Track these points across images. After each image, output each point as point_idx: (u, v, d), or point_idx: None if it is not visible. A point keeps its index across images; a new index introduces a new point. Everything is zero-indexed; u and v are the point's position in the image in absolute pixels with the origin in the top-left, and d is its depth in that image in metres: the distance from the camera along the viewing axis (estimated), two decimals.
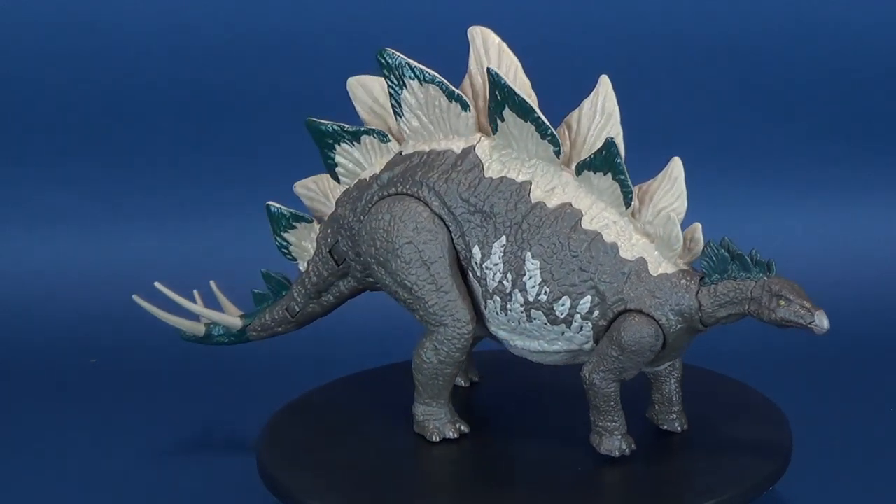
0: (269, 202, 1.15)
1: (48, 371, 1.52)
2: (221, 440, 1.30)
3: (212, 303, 1.22)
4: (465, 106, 1.03)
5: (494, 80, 1.00)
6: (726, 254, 0.98)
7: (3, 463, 1.28)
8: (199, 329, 1.22)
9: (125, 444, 1.31)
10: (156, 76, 1.75)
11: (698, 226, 1.00)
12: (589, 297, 0.99)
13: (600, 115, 1.02)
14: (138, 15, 1.74)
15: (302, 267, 1.16)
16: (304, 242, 1.15)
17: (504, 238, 1.01)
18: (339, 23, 1.75)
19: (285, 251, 1.17)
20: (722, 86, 1.78)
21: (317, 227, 1.14)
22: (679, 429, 1.07)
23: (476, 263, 1.03)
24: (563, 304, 0.99)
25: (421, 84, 1.03)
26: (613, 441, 1.01)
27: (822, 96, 1.77)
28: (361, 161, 1.10)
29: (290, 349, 1.54)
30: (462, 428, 1.07)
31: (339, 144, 1.10)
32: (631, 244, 0.99)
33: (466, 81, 1.05)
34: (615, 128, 1.02)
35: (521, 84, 1.03)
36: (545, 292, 1.00)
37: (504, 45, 1.04)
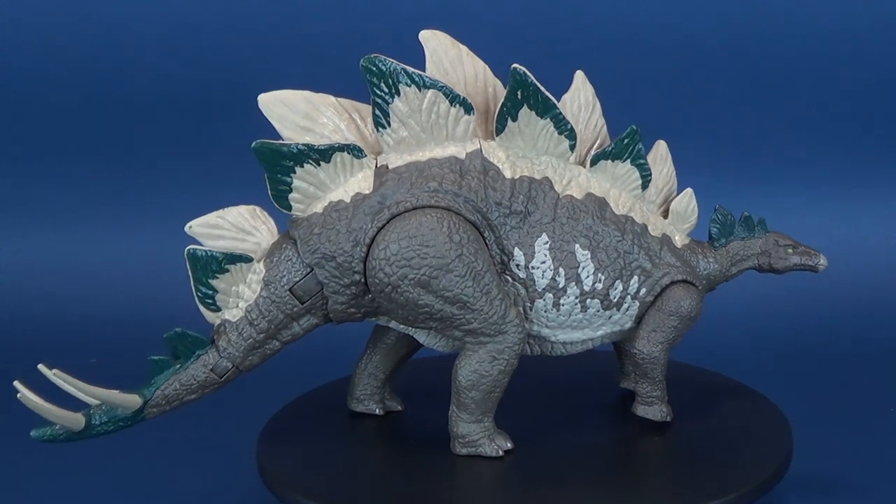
0: (191, 246, 1.00)
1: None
2: (221, 440, 1.30)
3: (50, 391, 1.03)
4: (468, 109, 0.99)
5: (521, 80, 0.99)
6: (731, 217, 1.13)
7: (2, 463, 1.28)
8: (76, 421, 1.03)
9: (125, 444, 1.30)
10: (156, 76, 1.75)
11: (692, 193, 1.12)
12: (636, 278, 1.06)
13: (584, 108, 1.06)
14: (139, 15, 1.75)
15: (232, 315, 1.02)
16: (237, 287, 1.01)
17: (545, 235, 1.01)
18: (340, 23, 1.75)
19: (209, 301, 1.02)
20: (722, 85, 1.78)
21: (259, 266, 1.01)
22: None
23: (519, 266, 1.01)
24: (616, 289, 1.05)
25: (419, 90, 0.98)
26: (663, 408, 1.10)
27: (823, 96, 1.77)
28: (326, 182, 1.00)
29: (291, 349, 1.54)
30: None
31: (302, 166, 0.99)
32: (653, 223, 1.08)
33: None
34: (600, 119, 1.06)
35: (490, 84, 1.02)
36: (600, 280, 1.04)
37: (465, 48, 1.01)
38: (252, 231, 1.02)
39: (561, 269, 1.02)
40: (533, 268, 1.01)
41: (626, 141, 1.05)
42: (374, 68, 0.97)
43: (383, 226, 0.98)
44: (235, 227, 1.01)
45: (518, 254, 1.01)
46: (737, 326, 1.59)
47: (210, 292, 1.01)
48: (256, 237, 1.02)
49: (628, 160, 1.06)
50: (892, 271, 1.70)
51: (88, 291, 1.68)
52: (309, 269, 1.00)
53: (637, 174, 1.07)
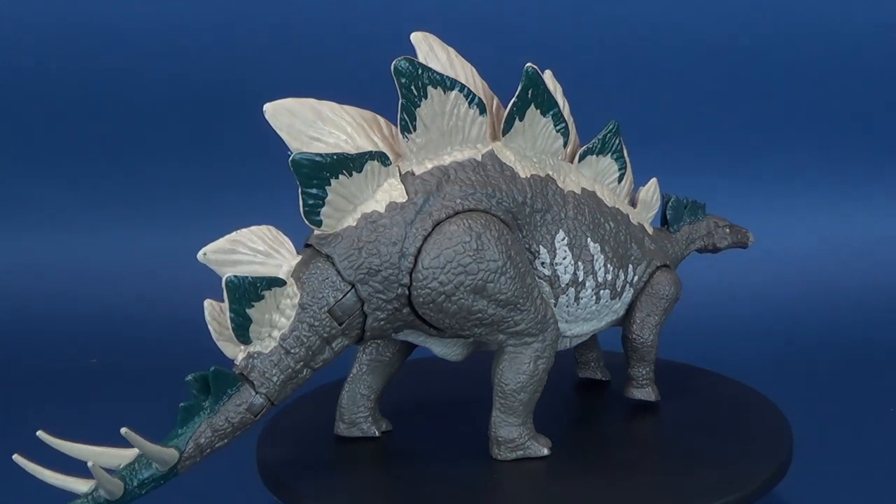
0: (230, 274, 0.90)
1: (48, 371, 1.52)
2: None
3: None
4: (483, 110, 0.98)
5: (534, 78, 1.00)
6: (681, 203, 1.20)
7: (2, 463, 1.28)
8: (115, 487, 0.94)
9: (125, 444, 1.30)
10: (157, 77, 1.75)
11: (657, 182, 1.15)
12: (632, 266, 1.09)
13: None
14: (139, 16, 1.75)
15: (263, 346, 0.93)
16: (270, 314, 0.93)
17: (562, 232, 1.02)
18: (340, 23, 1.75)
19: (243, 333, 0.92)
20: (721, 86, 1.78)
21: (291, 289, 0.93)
22: (604, 378, 1.21)
23: (544, 263, 1.01)
24: (619, 278, 1.08)
25: (444, 92, 0.95)
26: (653, 388, 1.14)
27: (823, 96, 1.78)
28: (356, 194, 0.94)
29: None
30: None
31: (337, 178, 0.93)
32: (631, 212, 1.12)
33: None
34: (570, 116, 1.06)
35: (479, 86, 1.01)
36: (609, 271, 1.06)
37: (453, 51, 0.99)
38: (271, 252, 0.94)
39: (580, 264, 1.03)
40: (556, 264, 1.02)
41: (608, 136, 1.09)
42: (407, 70, 0.94)
43: (428, 234, 0.95)
44: (252, 249, 0.94)
45: (543, 252, 1.01)
46: (737, 326, 1.60)
47: (246, 322, 0.92)
48: (277, 259, 0.94)
49: (609, 154, 1.09)
50: (892, 271, 1.70)
51: (88, 291, 1.68)
52: (350, 287, 0.94)
53: (616, 167, 1.10)
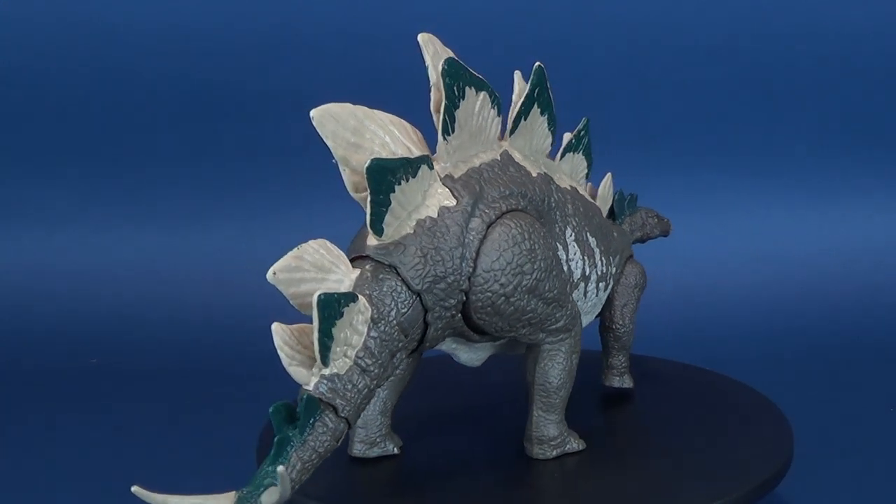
0: (322, 291, 0.85)
1: (48, 371, 1.52)
2: (221, 440, 1.30)
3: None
4: (500, 110, 0.98)
5: (542, 77, 1.00)
6: (623, 197, 1.22)
7: (2, 463, 1.28)
8: None
9: (125, 444, 1.31)
10: (156, 77, 1.75)
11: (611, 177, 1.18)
12: (614, 258, 1.12)
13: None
14: (139, 16, 1.75)
15: (339, 367, 0.88)
16: (345, 333, 0.88)
17: (569, 229, 1.03)
18: (340, 23, 1.75)
19: (326, 354, 0.87)
20: (721, 86, 1.78)
21: (362, 304, 0.88)
22: None
23: (562, 260, 1.02)
24: (609, 270, 1.11)
25: (476, 92, 0.94)
26: (630, 375, 1.18)
27: (823, 96, 1.78)
28: (410, 200, 0.91)
29: None
30: None
31: (399, 183, 0.90)
32: (599, 207, 1.15)
33: (435, 93, 0.95)
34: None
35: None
36: (605, 263, 1.09)
37: (451, 52, 0.97)
38: (331, 268, 0.89)
39: (586, 259, 1.05)
40: (570, 260, 1.03)
41: (582, 133, 1.11)
42: (453, 71, 0.92)
43: (483, 237, 0.93)
44: (315, 265, 0.88)
45: (560, 249, 1.02)
46: (737, 327, 1.60)
47: (330, 343, 0.86)
48: (336, 273, 0.90)
49: (581, 151, 1.11)
50: (893, 271, 1.70)
51: (88, 291, 1.68)
52: (415, 297, 0.90)
53: (585, 164, 1.13)
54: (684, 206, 1.75)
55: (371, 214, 0.89)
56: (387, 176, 0.88)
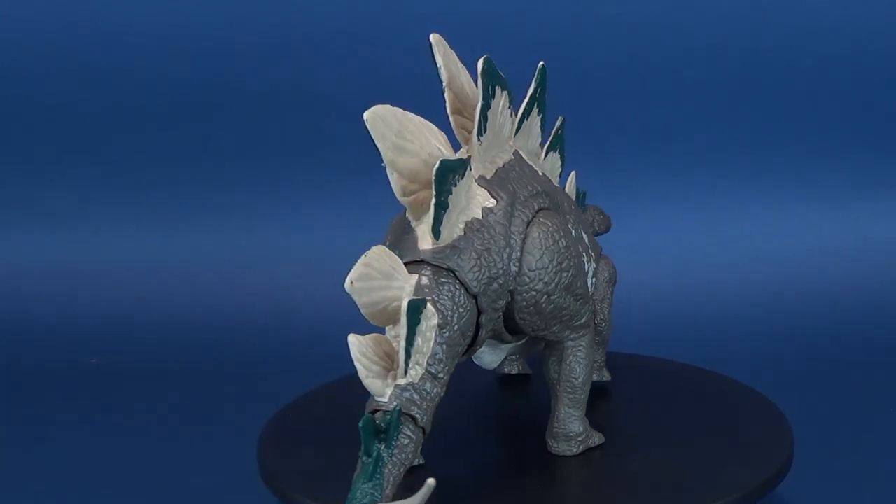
0: (412, 297, 0.84)
1: (48, 371, 1.52)
2: (221, 439, 1.30)
3: None
4: (515, 109, 0.98)
5: (543, 77, 1.00)
6: (578, 195, 1.19)
7: (2, 463, 1.28)
8: None
9: (125, 444, 1.31)
10: (156, 76, 1.75)
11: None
12: (595, 252, 1.09)
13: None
14: (139, 15, 1.75)
15: (412, 376, 0.85)
16: (419, 340, 0.86)
17: (570, 225, 1.03)
18: (340, 23, 1.75)
19: (408, 362, 0.85)
20: (721, 86, 1.78)
21: (430, 310, 0.86)
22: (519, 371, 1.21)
23: None
24: (594, 264, 1.08)
25: (501, 91, 0.94)
26: (607, 369, 1.18)
27: (822, 96, 1.77)
28: (458, 202, 0.90)
29: (291, 349, 1.55)
30: None
31: (456, 184, 0.88)
32: None
33: (449, 94, 0.95)
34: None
35: (459, 85, 0.99)
36: (594, 259, 1.08)
37: (455, 53, 0.97)
38: (393, 274, 0.87)
39: (584, 255, 1.04)
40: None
41: (560, 132, 1.09)
42: (491, 70, 0.91)
43: (529, 235, 0.93)
44: (381, 272, 0.85)
45: None
46: (737, 327, 1.60)
47: (412, 351, 0.85)
48: (399, 280, 0.87)
49: (558, 150, 1.10)
50: (893, 271, 1.70)
51: (88, 291, 1.68)
52: (472, 300, 0.89)
53: (560, 162, 1.11)
54: (684, 206, 1.75)
55: (434, 217, 0.87)
56: (449, 177, 0.87)
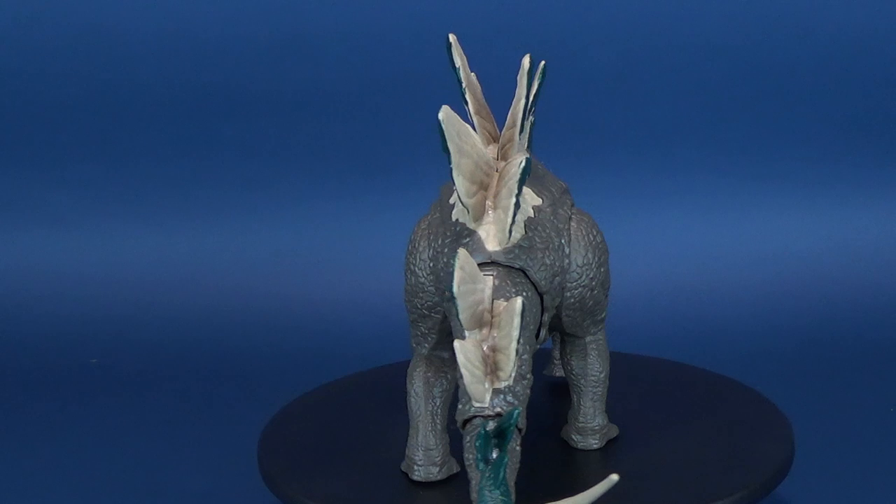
0: (522, 297, 0.82)
1: (48, 371, 1.52)
2: (221, 440, 1.30)
3: None
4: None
5: (544, 77, 0.99)
6: None
7: (2, 462, 1.28)
8: None
9: (125, 444, 1.31)
10: (156, 76, 1.75)
11: None
12: None
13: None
14: (139, 16, 1.74)
15: (508, 377, 0.84)
16: None
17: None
18: (341, 23, 1.75)
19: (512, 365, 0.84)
20: (721, 85, 1.78)
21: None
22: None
23: None
24: None
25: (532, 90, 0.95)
26: None
27: (822, 96, 1.77)
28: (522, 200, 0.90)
29: (291, 349, 1.55)
30: None
31: (524, 182, 0.88)
32: None
33: (469, 95, 0.95)
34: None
35: (475, 86, 0.99)
36: None
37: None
38: (477, 276, 0.85)
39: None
40: None
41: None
42: (533, 69, 0.92)
43: (573, 231, 0.93)
44: (471, 276, 0.84)
45: None
46: (737, 327, 1.59)
47: (520, 351, 0.84)
48: (480, 282, 0.86)
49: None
50: (893, 271, 1.70)
51: (88, 291, 1.68)
52: (539, 299, 0.89)
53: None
54: (684, 206, 1.75)
55: (512, 217, 0.86)
56: (527, 176, 0.87)
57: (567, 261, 0.92)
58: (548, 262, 0.90)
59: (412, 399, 0.99)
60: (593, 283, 0.94)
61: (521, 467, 0.86)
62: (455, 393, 0.95)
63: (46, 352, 1.57)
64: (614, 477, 0.81)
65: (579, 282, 0.93)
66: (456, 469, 0.98)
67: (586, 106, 1.68)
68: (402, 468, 1.00)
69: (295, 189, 1.76)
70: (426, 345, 0.98)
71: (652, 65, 1.76)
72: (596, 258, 0.94)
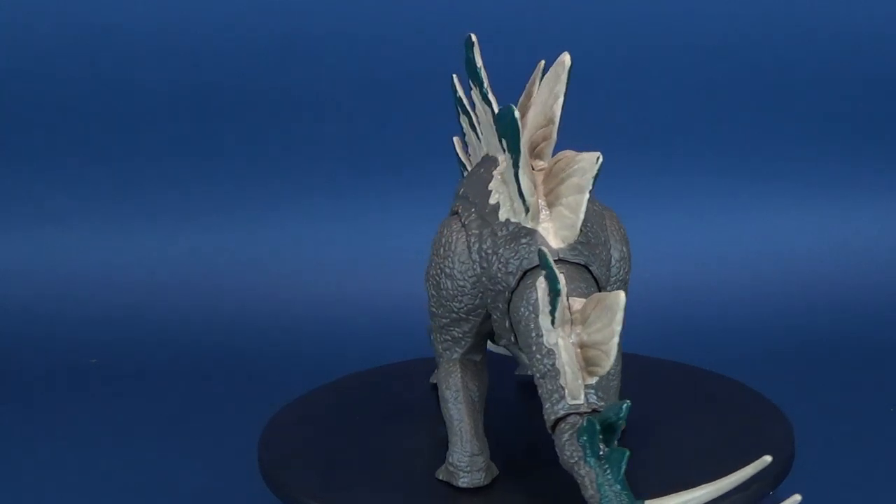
0: (623, 294, 0.79)
1: (48, 371, 1.52)
2: (221, 440, 1.30)
3: None
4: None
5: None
6: None
7: (2, 462, 1.28)
8: None
9: (125, 444, 1.31)
10: (156, 76, 1.75)
11: None
12: None
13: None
14: (139, 16, 1.75)
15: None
16: None
17: None
18: (340, 23, 1.75)
19: None
20: (721, 85, 1.78)
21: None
22: None
23: None
24: None
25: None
26: None
27: (822, 96, 1.77)
28: None
29: (291, 349, 1.55)
30: None
31: None
32: None
33: (492, 95, 0.96)
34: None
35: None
36: None
37: None
38: None
39: None
40: None
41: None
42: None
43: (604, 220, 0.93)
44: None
45: None
46: (737, 326, 1.60)
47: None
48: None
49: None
50: (893, 271, 1.70)
51: (88, 291, 1.68)
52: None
53: None
54: (684, 206, 1.75)
55: (584, 213, 0.85)
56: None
57: (609, 255, 0.92)
58: (603, 257, 0.89)
59: (451, 406, 0.96)
60: (627, 277, 0.94)
61: (537, 461, 0.84)
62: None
63: (46, 352, 1.57)
64: (767, 458, 0.78)
65: (617, 276, 0.93)
66: (496, 472, 0.96)
67: (586, 106, 1.68)
68: (441, 476, 0.97)
69: (294, 189, 1.76)
70: (458, 349, 0.96)
71: (652, 65, 1.76)
72: (628, 252, 0.94)
